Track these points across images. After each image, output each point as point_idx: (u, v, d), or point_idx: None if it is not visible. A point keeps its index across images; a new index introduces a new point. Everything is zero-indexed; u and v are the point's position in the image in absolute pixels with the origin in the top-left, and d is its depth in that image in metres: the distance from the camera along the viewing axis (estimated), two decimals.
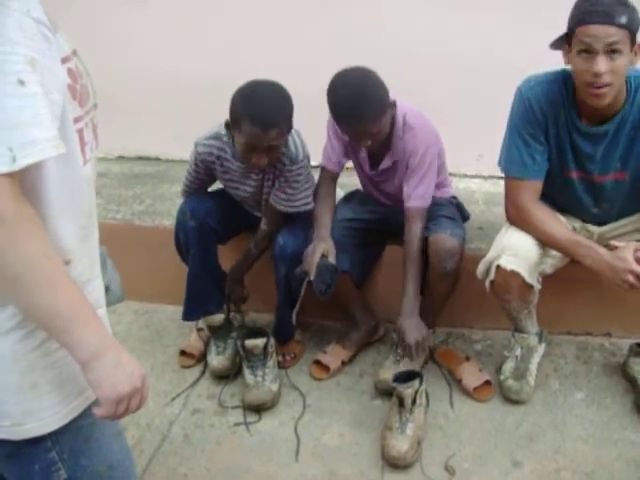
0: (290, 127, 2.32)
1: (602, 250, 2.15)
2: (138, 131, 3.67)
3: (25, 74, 0.95)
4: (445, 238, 2.40)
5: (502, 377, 2.51)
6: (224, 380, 2.63)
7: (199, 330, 2.79)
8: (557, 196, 2.39)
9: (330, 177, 2.61)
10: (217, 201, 2.63)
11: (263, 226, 2.60)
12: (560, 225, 2.29)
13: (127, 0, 3.45)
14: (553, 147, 2.27)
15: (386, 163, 2.50)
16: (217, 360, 2.62)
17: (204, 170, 2.57)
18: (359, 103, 2.22)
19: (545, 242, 2.29)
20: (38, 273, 1.00)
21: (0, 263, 0.97)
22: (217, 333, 2.67)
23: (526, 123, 2.25)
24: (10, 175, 0.94)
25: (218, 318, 2.64)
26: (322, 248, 2.40)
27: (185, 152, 3.74)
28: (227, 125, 2.35)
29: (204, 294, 2.64)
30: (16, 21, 0.96)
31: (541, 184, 2.31)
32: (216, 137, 2.48)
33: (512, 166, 2.31)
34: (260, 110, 2.19)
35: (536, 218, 2.28)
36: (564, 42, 2.06)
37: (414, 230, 2.45)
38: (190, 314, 2.69)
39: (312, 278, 2.38)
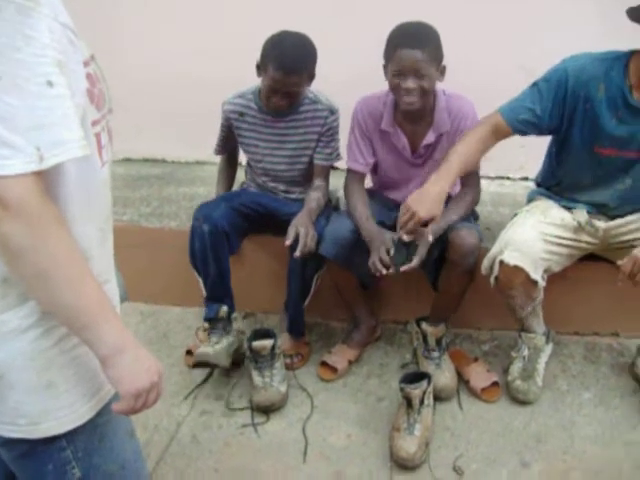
0: (312, 77, 2.54)
1: None
2: (143, 133, 3.68)
3: (54, 76, 0.97)
4: (466, 234, 2.39)
5: (510, 378, 2.50)
6: (231, 381, 2.64)
7: (205, 330, 2.79)
8: (583, 173, 2.41)
9: (359, 178, 2.65)
10: (229, 205, 2.66)
11: (320, 182, 2.74)
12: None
13: (129, 2, 3.46)
14: (583, 123, 2.29)
15: (429, 138, 2.51)
16: (203, 347, 2.56)
17: (228, 128, 2.77)
18: (422, 31, 2.34)
19: None
20: (63, 270, 1.02)
21: (27, 260, 0.99)
22: (215, 326, 2.61)
23: (548, 84, 2.27)
24: (37, 174, 0.96)
25: (222, 310, 2.61)
26: (385, 243, 2.38)
27: (190, 153, 3.80)
28: (258, 67, 2.52)
29: (222, 295, 2.66)
30: (46, 25, 0.97)
31: (507, 130, 2.32)
32: (241, 95, 2.69)
33: (505, 102, 2.35)
34: (284, 57, 2.40)
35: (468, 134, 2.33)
36: None
37: (470, 193, 2.53)
38: (210, 313, 2.67)
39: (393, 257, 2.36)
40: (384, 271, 2.35)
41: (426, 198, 2.17)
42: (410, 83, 2.30)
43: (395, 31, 2.36)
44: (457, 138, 2.41)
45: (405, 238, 2.26)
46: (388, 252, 2.35)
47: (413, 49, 2.26)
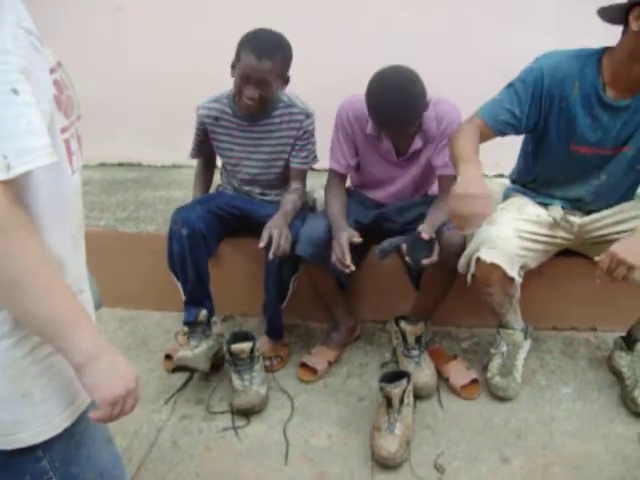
0: (286, 76, 2.52)
1: None
2: (119, 137, 3.66)
3: (19, 83, 0.96)
4: (452, 234, 2.39)
5: (489, 374, 2.52)
6: (211, 385, 2.62)
7: (184, 334, 2.77)
8: (559, 170, 2.42)
9: (340, 178, 2.65)
10: (205, 208, 2.66)
11: (296, 185, 2.74)
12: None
13: (102, 8, 3.43)
14: (559, 121, 2.29)
15: (417, 144, 2.50)
16: (182, 351, 2.54)
17: (203, 132, 2.75)
18: (402, 111, 2.27)
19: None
20: (34, 280, 1.01)
21: None
22: (194, 330, 2.61)
23: (524, 84, 2.27)
24: (4, 183, 0.95)
25: (201, 314, 2.60)
26: (346, 236, 2.40)
27: (167, 157, 3.78)
28: (232, 67, 2.49)
29: (201, 299, 2.65)
30: (9, 32, 0.96)
31: (489, 132, 2.29)
32: (216, 100, 2.67)
33: (484, 104, 2.33)
34: (257, 43, 2.40)
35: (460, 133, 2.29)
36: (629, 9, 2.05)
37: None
38: (190, 317, 2.67)
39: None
40: (346, 270, 2.38)
41: (473, 182, 2.06)
42: (397, 137, 2.42)
43: (376, 100, 2.30)
44: (443, 141, 2.44)
45: (425, 237, 2.29)
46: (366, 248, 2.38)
47: (400, 126, 2.31)
